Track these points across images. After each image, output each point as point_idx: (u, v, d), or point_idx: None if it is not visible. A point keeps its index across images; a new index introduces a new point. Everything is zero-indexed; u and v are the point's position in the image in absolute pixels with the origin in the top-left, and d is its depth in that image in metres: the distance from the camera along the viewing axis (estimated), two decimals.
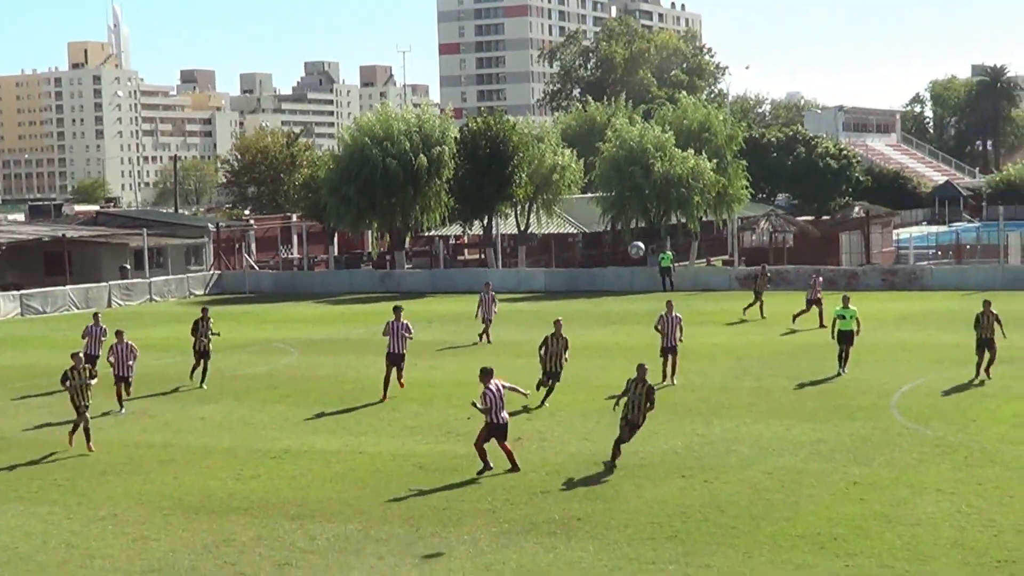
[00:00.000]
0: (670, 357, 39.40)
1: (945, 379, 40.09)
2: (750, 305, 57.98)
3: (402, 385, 38.62)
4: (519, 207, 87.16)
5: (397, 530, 23.95)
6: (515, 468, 28.02)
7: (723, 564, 21.48)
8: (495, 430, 27.89)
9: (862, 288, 71.45)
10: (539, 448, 30.92)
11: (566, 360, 36.51)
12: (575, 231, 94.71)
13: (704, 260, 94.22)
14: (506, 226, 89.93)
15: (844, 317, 40.83)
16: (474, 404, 28.45)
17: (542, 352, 36.61)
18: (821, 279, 56.95)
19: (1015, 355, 42.33)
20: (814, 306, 53.85)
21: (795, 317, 54.10)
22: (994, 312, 38.67)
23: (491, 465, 27.85)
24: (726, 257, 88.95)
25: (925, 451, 29.73)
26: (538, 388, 36.26)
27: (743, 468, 28.40)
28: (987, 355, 38.50)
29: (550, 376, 36.39)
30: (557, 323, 37.14)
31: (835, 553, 21.93)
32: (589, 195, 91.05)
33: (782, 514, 24.55)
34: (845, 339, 40.82)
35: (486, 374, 27.95)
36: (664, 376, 38.69)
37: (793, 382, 40.23)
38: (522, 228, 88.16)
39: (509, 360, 45.66)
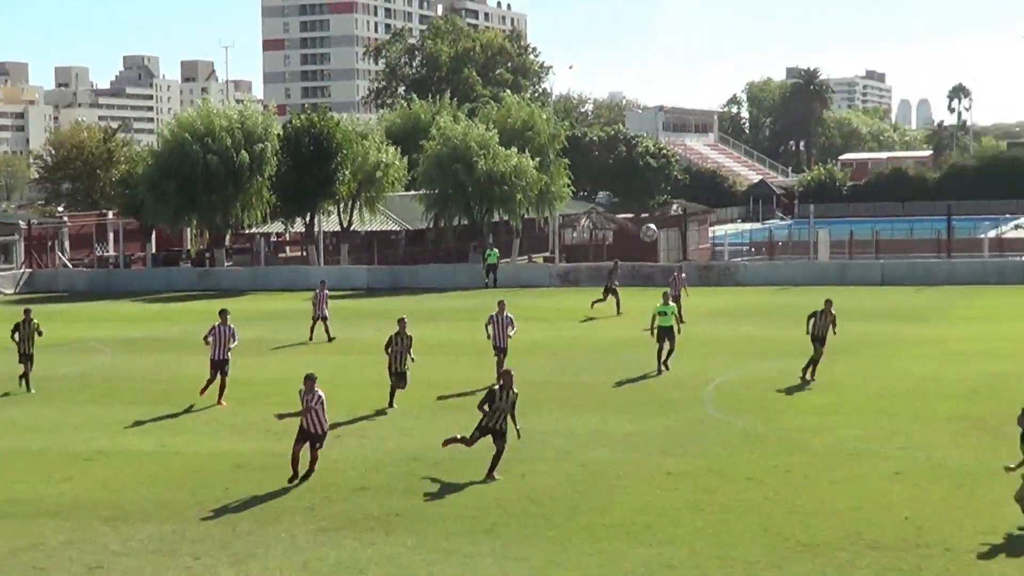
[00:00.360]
0: (501, 357, 38.82)
1: (755, 372, 40.93)
2: (600, 300, 58.09)
3: (222, 404, 36.66)
4: (342, 204, 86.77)
5: (213, 530, 23.65)
6: (307, 476, 27.08)
7: (538, 555, 21.62)
8: (317, 438, 27.36)
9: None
10: (358, 444, 30.87)
11: (412, 359, 35.48)
12: (398, 228, 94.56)
13: (526, 257, 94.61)
14: (328, 223, 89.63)
15: (664, 313, 41.05)
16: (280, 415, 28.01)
17: (388, 351, 35.52)
18: (684, 275, 57.63)
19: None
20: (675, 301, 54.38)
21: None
22: (833, 312, 38.85)
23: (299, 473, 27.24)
24: (547, 254, 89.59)
25: (734, 441, 30.26)
26: (391, 404, 35.50)
27: (558, 460, 28.59)
28: (816, 352, 38.59)
29: (396, 376, 35.29)
30: (401, 322, 35.67)
31: (647, 541, 22.22)
32: (412, 192, 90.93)
33: (596, 505, 24.80)
34: (665, 335, 41.04)
35: (310, 381, 27.24)
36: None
37: (610, 376, 40.63)
38: (345, 225, 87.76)
39: (331, 356, 45.69)
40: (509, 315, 39.41)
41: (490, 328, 39.32)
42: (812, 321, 38.55)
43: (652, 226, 28.96)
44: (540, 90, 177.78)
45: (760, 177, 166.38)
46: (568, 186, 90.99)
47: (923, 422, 32.31)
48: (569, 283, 76.47)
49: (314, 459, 27.22)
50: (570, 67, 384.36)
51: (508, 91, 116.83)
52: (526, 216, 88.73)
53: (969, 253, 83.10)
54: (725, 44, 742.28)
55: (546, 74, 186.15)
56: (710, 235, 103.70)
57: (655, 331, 41.05)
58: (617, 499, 25.12)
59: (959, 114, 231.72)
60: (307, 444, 27.10)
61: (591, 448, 29.99)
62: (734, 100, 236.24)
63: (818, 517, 23.55)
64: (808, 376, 38.38)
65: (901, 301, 58.42)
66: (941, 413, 33.52)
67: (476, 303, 65.20)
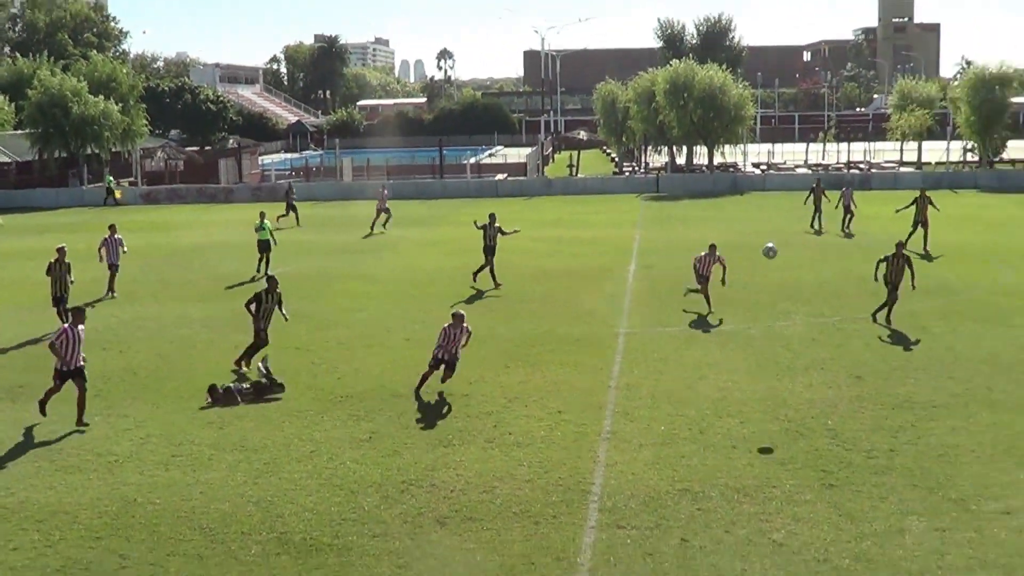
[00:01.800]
0: (113, 273, 35.26)
1: (304, 266, 40.68)
2: (284, 215, 55.94)
3: None
4: None
5: None
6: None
7: (138, 413, 21.25)
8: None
9: (236, 201, 71.90)
10: None
11: (285, 318, 25.49)
12: (9, 160, 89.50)
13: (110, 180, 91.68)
14: None
15: (262, 228, 39.31)
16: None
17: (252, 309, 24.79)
18: (387, 192, 56.04)
19: (356, 248, 43.60)
20: (383, 213, 52.87)
21: (373, 225, 52.64)
22: (497, 226, 35.84)
23: None
24: (131, 179, 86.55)
25: (290, 319, 30.09)
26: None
27: (150, 340, 28.01)
28: (489, 261, 35.63)
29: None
30: (271, 280, 25.49)
31: None
32: (20, 132, 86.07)
33: (182, 373, 24.44)
34: (264, 247, 39.15)
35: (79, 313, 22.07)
36: (111, 290, 35.34)
37: (192, 274, 39.94)
38: None
39: None
40: (119, 236, 35.58)
41: (102, 249, 35.32)
42: (487, 233, 35.80)
43: (771, 245, 25.45)
44: (120, 50, 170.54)
45: (297, 118, 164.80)
46: (146, 125, 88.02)
47: (431, 302, 33.03)
48: (151, 201, 74.57)
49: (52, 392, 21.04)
50: (143, 32, 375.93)
51: (95, 51, 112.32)
52: (114, 149, 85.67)
53: (456, 175, 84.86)
54: (268, 13, 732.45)
55: (125, 38, 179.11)
56: (260, 163, 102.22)
57: (258, 244, 39.29)
58: (198, 367, 24.80)
59: (445, 71, 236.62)
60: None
61: (176, 329, 29.44)
62: (275, 59, 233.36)
63: (355, 376, 23.92)
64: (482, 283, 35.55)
65: (409, 212, 59.29)
66: (440, 293, 34.39)
67: (78, 219, 62.91)
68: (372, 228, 52.17)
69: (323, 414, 21.05)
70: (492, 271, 35.54)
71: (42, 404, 20.86)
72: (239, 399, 21.84)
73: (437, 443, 19.17)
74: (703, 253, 31.01)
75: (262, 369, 23.00)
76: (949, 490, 16.51)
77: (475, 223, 36.61)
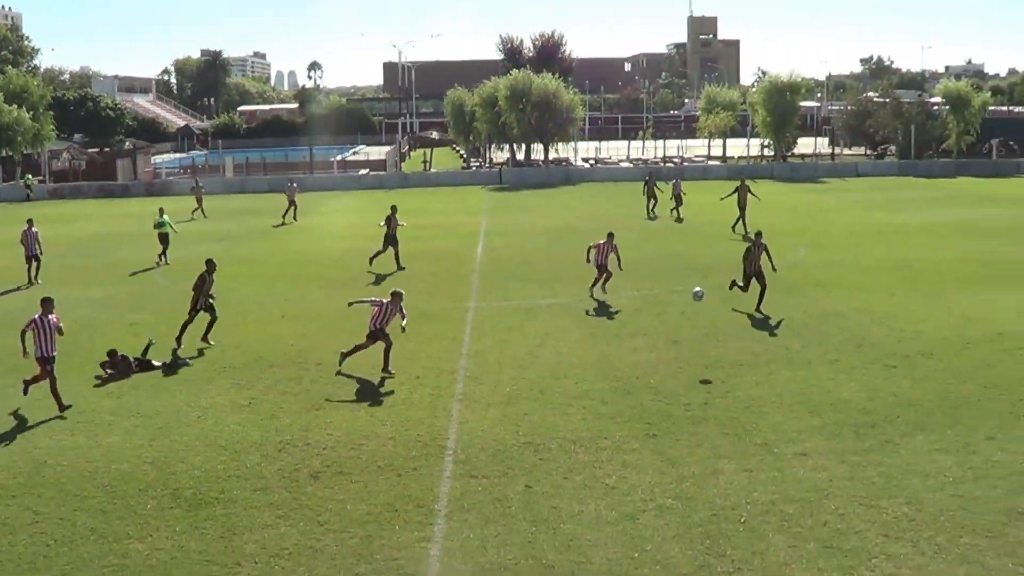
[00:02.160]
0: (34, 264, 33.48)
1: (190, 254, 39.47)
2: (198, 208, 54.46)
3: None
4: None
5: None
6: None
7: (66, 390, 20.23)
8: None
9: (132, 196, 70.18)
10: None
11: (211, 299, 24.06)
12: None
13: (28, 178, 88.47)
14: None
15: (161, 224, 37.43)
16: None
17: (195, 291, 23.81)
18: (295, 185, 54.48)
19: (236, 235, 42.50)
20: (292, 207, 51.38)
21: (284, 215, 51.14)
22: (397, 218, 34.95)
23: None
24: (41, 177, 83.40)
25: (175, 300, 28.58)
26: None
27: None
28: (391, 250, 34.56)
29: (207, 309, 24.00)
30: (209, 263, 24.18)
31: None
32: None
33: (85, 349, 23.31)
34: (163, 241, 37.24)
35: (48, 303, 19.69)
36: (31, 281, 33.31)
37: (92, 260, 38.66)
38: None
39: None
40: (35, 230, 33.89)
41: (24, 240, 33.59)
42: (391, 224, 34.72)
43: (699, 290, 23.80)
44: (32, 65, 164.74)
45: (185, 122, 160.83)
46: (53, 130, 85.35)
47: (299, 281, 32.43)
48: (57, 197, 72.09)
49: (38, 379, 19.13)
50: (52, 49, 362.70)
51: (10, 67, 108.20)
52: (25, 151, 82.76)
53: (325, 171, 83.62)
54: (160, 30, 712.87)
55: (36, 54, 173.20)
56: (152, 162, 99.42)
57: (159, 236, 37.45)
58: (101, 342, 23.76)
59: (315, 80, 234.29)
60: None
61: (80, 309, 28.10)
62: (166, 71, 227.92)
63: (236, 349, 23.25)
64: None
65: (280, 202, 58.00)
66: (310, 275, 33.80)
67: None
68: (283, 219, 51.06)
69: (209, 383, 20.43)
70: (397, 256, 34.53)
71: (55, 398, 18.86)
72: (132, 367, 21.32)
73: (310, 407, 18.72)
74: (601, 242, 28.45)
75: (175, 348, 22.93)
76: (755, 436, 16.68)
77: (380, 224, 35.46)
